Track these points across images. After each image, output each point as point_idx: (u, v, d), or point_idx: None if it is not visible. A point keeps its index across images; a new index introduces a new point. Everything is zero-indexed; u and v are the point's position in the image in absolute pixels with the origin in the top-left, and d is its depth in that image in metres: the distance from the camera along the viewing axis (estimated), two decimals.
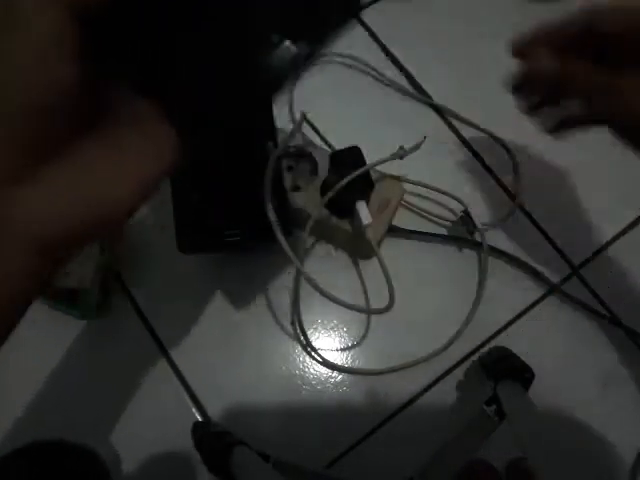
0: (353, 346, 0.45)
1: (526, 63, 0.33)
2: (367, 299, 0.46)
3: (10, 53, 0.16)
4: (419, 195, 0.48)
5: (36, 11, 0.16)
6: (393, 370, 0.44)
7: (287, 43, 0.19)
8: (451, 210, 0.49)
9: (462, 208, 0.46)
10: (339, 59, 0.53)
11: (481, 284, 0.47)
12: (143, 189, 0.19)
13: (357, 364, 0.45)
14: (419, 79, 0.53)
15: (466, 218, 0.46)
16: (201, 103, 0.20)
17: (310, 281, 0.36)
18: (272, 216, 0.34)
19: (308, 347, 0.45)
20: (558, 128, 0.35)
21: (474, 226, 0.46)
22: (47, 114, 0.16)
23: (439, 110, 0.52)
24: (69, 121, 0.17)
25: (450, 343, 0.45)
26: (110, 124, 0.19)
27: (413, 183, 0.47)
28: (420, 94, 0.52)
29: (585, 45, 0.30)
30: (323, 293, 0.36)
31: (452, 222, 0.48)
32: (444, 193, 0.46)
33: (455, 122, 0.52)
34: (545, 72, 0.31)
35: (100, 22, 0.17)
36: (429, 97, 0.52)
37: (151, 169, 0.19)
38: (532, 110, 0.36)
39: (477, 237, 0.47)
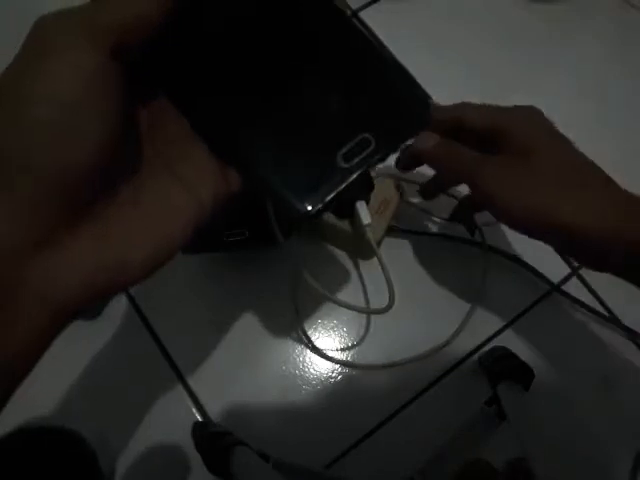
0: (353, 346, 0.45)
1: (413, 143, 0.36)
2: (367, 299, 0.46)
3: (49, 87, 0.15)
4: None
5: (67, 43, 0.16)
6: (393, 369, 0.44)
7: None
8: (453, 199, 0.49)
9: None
10: None
11: (481, 284, 0.47)
12: (168, 250, 0.18)
13: (357, 364, 0.45)
14: (419, 79, 0.53)
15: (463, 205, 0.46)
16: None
17: (310, 282, 0.36)
18: (274, 216, 0.34)
19: (308, 347, 0.45)
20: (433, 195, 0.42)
21: (473, 214, 0.45)
22: (80, 171, 0.16)
23: None
24: (102, 175, 0.17)
25: (450, 343, 0.45)
26: (135, 176, 0.18)
27: (412, 182, 0.47)
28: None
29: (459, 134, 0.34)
30: (324, 295, 0.36)
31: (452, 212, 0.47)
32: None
33: None
34: (427, 150, 0.35)
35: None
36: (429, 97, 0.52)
37: (183, 229, 0.19)
38: (428, 195, 0.42)
39: (477, 237, 0.47)
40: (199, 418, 0.43)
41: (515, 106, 0.34)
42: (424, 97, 0.20)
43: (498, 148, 0.32)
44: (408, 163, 0.38)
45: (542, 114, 0.34)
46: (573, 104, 0.51)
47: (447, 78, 0.53)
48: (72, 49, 0.16)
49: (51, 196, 0.16)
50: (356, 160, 0.19)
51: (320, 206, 0.18)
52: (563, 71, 0.54)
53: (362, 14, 0.55)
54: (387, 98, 0.19)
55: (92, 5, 0.16)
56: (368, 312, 0.46)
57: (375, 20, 0.55)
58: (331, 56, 0.19)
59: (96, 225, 0.17)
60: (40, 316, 0.16)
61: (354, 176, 0.19)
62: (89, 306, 0.17)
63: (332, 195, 0.18)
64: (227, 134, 0.19)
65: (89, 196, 0.17)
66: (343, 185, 0.18)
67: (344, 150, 0.19)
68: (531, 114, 0.33)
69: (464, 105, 0.35)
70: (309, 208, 0.18)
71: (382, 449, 0.43)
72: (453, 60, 0.54)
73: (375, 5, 0.56)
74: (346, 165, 0.19)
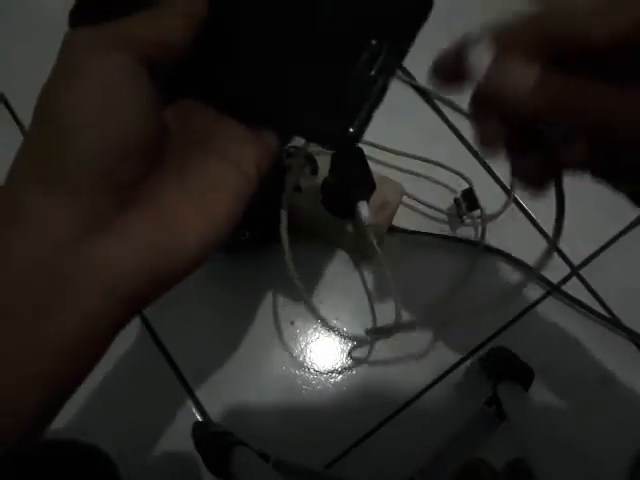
0: (353, 346, 0.45)
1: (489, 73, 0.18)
2: (371, 302, 0.46)
3: (77, 100, 0.17)
4: (417, 182, 0.48)
5: (94, 57, 0.17)
6: (393, 369, 0.44)
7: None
8: (453, 190, 0.49)
9: (459, 195, 0.46)
10: None
11: (481, 284, 0.47)
12: (221, 227, 0.19)
13: (357, 364, 0.45)
14: (419, 79, 0.53)
15: (464, 197, 0.46)
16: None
17: (302, 292, 0.36)
18: (283, 217, 0.34)
19: (308, 347, 0.45)
20: (542, 179, 0.22)
21: (475, 205, 0.45)
22: (120, 158, 0.17)
23: (438, 108, 0.52)
24: (142, 161, 0.18)
25: (450, 342, 0.45)
26: (182, 154, 0.19)
27: (413, 174, 0.47)
28: (420, 94, 0.52)
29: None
30: (321, 319, 0.36)
31: (452, 205, 0.47)
32: (443, 167, 0.46)
33: (454, 119, 0.52)
34: (525, 92, 0.17)
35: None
36: (429, 97, 0.52)
37: (232, 204, 0.19)
38: (495, 148, 0.20)
39: (477, 237, 0.47)
40: (199, 418, 0.43)
41: None
42: None
43: None
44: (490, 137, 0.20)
45: None
46: None
47: None
48: (100, 68, 0.17)
49: (95, 182, 0.16)
50: (375, 68, 0.18)
51: (359, 124, 0.18)
52: None
53: None
54: None
55: (119, 25, 0.17)
56: (371, 334, 0.46)
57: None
58: None
59: (146, 208, 0.17)
60: (98, 302, 0.16)
61: (380, 84, 0.18)
62: (153, 296, 0.18)
63: (366, 110, 0.18)
64: (251, 95, 0.19)
65: (132, 179, 0.17)
66: (373, 97, 0.18)
67: (360, 64, 0.18)
68: None
69: (553, 14, 0.18)
70: (351, 130, 0.18)
71: (382, 449, 0.43)
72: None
73: None
74: (368, 76, 0.18)
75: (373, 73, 0.18)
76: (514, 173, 0.21)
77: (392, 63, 0.19)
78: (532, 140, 0.19)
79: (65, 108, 0.17)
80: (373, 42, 0.18)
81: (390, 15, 0.19)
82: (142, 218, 0.17)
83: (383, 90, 0.19)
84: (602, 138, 0.17)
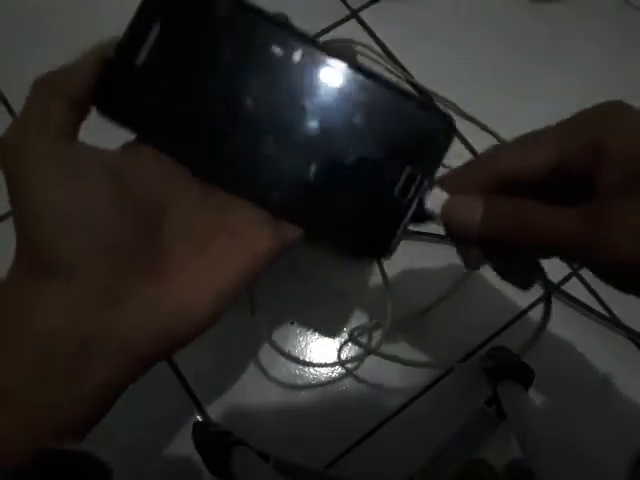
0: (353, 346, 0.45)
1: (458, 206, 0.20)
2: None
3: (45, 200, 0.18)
4: None
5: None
6: (393, 368, 0.44)
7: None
8: None
9: None
10: None
11: (480, 284, 0.47)
12: (228, 297, 0.20)
13: (357, 364, 0.45)
14: (419, 79, 0.53)
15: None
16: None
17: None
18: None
19: (308, 347, 0.45)
20: (527, 280, 0.26)
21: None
22: (108, 246, 0.18)
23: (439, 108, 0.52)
24: (137, 240, 0.19)
25: (450, 342, 0.45)
26: (190, 227, 0.20)
27: None
28: (421, 94, 0.52)
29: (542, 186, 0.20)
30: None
31: None
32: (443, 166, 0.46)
33: (456, 120, 0.52)
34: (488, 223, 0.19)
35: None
36: (430, 97, 0.52)
37: (242, 279, 0.20)
38: (477, 264, 0.23)
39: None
40: (199, 418, 0.43)
41: (582, 113, 0.21)
42: (439, 113, 0.21)
43: (599, 184, 0.18)
44: (471, 258, 0.23)
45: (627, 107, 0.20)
46: (572, 104, 0.51)
47: (447, 78, 0.53)
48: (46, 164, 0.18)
49: (93, 266, 0.18)
50: (410, 193, 0.21)
51: (396, 242, 0.21)
52: (563, 71, 0.54)
53: (362, 14, 0.55)
54: (410, 127, 0.21)
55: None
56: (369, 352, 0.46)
57: (375, 20, 0.55)
58: (349, 109, 0.21)
59: (155, 280, 0.19)
60: (113, 366, 0.18)
61: (414, 206, 0.21)
62: (167, 354, 0.19)
63: (402, 228, 0.21)
64: (295, 204, 0.21)
65: (132, 257, 0.19)
66: (408, 217, 0.21)
67: (397, 190, 0.21)
68: (620, 112, 0.20)
69: (501, 149, 0.21)
70: (389, 247, 0.21)
71: (382, 449, 0.43)
72: (453, 60, 0.54)
73: (375, 5, 0.56)
74: (405, 201, 0.21)
75: (409, 198, 0.21)
76: (502, 278, 0.25)
77: (424, 188, 0.21)
78: (507, 252, 0.21)
79: (39, 209, 0.18)
80: (408, 168, 0.21)
81: (421, 143, 0.21)
82: (153, 289, 0.18)
83: (415, 211, 0.21)
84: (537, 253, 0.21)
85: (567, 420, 0.44)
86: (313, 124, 0.20)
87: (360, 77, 0.20)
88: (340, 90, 0.20)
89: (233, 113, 0.20)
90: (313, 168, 0.20)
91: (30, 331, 0.17)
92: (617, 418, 0.44)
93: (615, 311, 0.47)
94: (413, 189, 0.21)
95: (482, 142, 0.51)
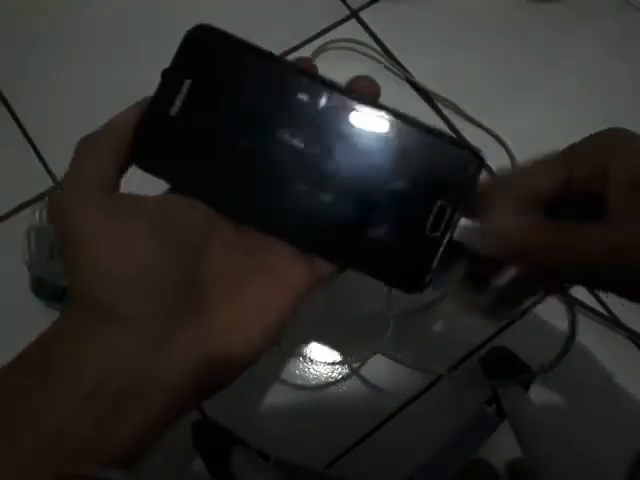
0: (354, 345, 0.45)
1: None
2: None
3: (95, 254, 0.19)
4: None
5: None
6: (393, 368, 0.44)
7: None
8: None
9: None
10: None
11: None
12: (269, 337, 0.21)
13: (357, 364, 0.45)
14: (419, 79, 0.53)
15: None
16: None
17: None
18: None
19: (308, 346, 0.45)
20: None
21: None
22: (153, 291, 0.19)
23: (440, 110, 0.52)
24: (181, 285, 0.19)
25: (450, 342, 0.45)
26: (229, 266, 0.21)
27: None
28: (421, 95, 0.52)
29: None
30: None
31: None
32: None
33: (456, 121, 0.52)
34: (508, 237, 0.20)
35: None
36: (430, 98, 0.52)
37: (280, 317, 0.21)
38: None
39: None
40: (199, 418, 0.43)
41: (589, 138, 0.21)
42: (469, 148, 0.21)
43: (607, 204, 0.19)
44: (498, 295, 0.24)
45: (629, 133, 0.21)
46: (573, 104, 0.52)
47: (447, 78, 0.53)
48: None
49: (149, 308, 0.19)
50: (442, 226, 0.21)
51: (429, 277, 0.21)
52: (562, 71, 0.54)
53: (362, 14, 0.55)
54: (440, 163, 0.21)
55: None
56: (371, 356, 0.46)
57: (375, 20, 0.55)
58: (379, 145, 0.21)
59: (200, 322, 0.19)
60: (157, 405, 0.18)
61: (446, 240, 0.21)
62: (208, 395, 0.20)
63: (436, 263, 0.21)
64: (328, 241, 0.21)
65: (182, 297, 0.19)
66: (440, 251, 0.21)
67: (429, 224, 0.21)
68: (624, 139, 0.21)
69: (513, 172, 0.22)
70: (422, 283, 0.21)
71: (382, 449, 0.43)
72: (453, 60, 0.54)
73: (375, 5, 0.56)
74: (435, 234, 0.21)
75: (440, 232, 0.21)
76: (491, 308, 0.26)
77: (454, 221, 0.21)
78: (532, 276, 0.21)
79: (90, 261, 0.19)
80: (439, 203, 0.21)
81: (451, 177, 0.21)
82: (197, 331, 0.19)
83: (447, 246, 0.21)
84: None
85: (567, 420, 0.44)
86: (344, 164, 0.21)
87: (389, 117, 0.21)
88: (369, 132, 0.21)
89: (266, 159, 0.21)
90: (345, 206, 0.21)
91: (78, 370, 0.18)
92: (617, 418, 0.44)
93: (615, 311, 0.47)
94: (444, 223, 0.21)
95: (482, 142, 0.51)
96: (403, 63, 0.54)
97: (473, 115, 0.51)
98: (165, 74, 0.21)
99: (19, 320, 0.44)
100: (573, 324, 0.36)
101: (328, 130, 0.21)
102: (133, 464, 0.19)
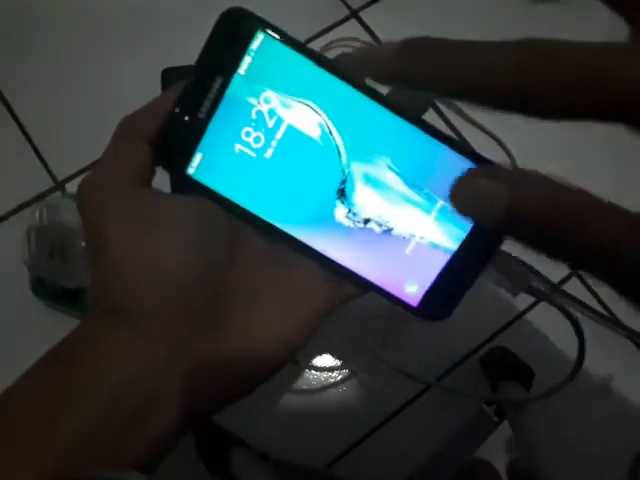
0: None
1: None
2: None
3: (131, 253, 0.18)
4: None
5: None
6: (393, 368, 0.44)
7: None
8: None
9: None
10: None
11: (481, 284, 0.46)
12: (293, 345, 0.20)
13: (357, 364, 0.45)
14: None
15: None
16: None
17: None
18: None
19: (309, 346, 0.45)
20: None
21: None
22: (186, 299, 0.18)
23: (440, 110, 0.52)
24: (209, 292, 0.19)
25: (450, 342, 0.45)
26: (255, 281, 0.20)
27: None
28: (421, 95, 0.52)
29: None
30: None
31: None
32: None
33: (456, 121, 0.52)
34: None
35: None
36: (430, 98, 0.52)
37: (303, 332, 0.20)
38: None
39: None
40: None
41: None
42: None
43: None
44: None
45: None
46: None
47: None
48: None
49: (175, 318, 0.18)
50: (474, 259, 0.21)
51: (455, 307, 0.22)
52: None
53: (362, 14, 0.55)
54: None
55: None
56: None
57: (375, 20, 0.55)
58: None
59: (223, 332, 0.19)
60: (175, 415, 0.18)
61: (479, 274, 0.22)
62: (224, 406, 0.20)
63: (461, 298, 0.22)
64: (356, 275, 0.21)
65: (207, 307, 0.19)
66: (471, 285, 0.22)
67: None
68: None
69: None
70: (450, 313, 0.22)
71: (382, 449, 0.43)
72: None
73: (375, 5, 0.56)
74: (468, 266, 0.21)
75: (472, 265, 0.21)
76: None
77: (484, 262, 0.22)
78: None
79: (117, 262, 0.18)
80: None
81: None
82: (219, 342, 0.19)
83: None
84: None
85: (567, 420, 0.44)
86: (384, 192, 0.20)
87: (437, 143, 0.20)
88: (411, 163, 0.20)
89: (299, 173, 0.20)
90: (375, 234, 0.20)
91: (100, 377, 0.18)
92: (617, 418, 0.44)
93: (615, 311, 0.47)
94: (476, 255, 0.21)
95: (482, 144, 0.51)
96: None
97: (473, 115, 0.51)
98: (198, 64, 0.19)
99: (19, 320, 0.44)
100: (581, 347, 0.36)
101: (372, 142, 0.19)
102: (147, 472, 0.18)
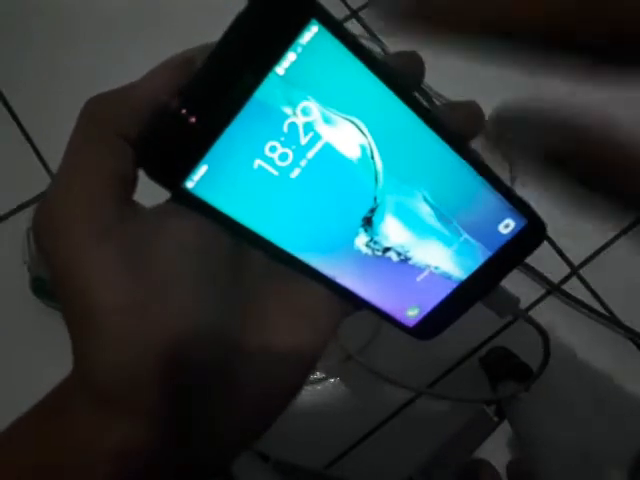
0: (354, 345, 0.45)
1: None
2: None
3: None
4: None
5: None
6: (392, 369, 0.44)
7: None
8: None
9: None
10: None
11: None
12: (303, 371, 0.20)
13: (357, 364, 0.45)
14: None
15: None
16: None
17: None
18: None
19: None
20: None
21: None
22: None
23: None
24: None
25: (450, 342, 0.45)
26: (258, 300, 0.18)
27: None
28: (421, 93, 0.52)
29: None
30: None
31: None
32: None
33: None
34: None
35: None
36: (429, 97, 0.52)
37: (307, 364, 0.20)
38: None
39: None
40: None
41: None
42: (536, 220, 0.21)
43: None
44: None
45: None
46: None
47: (446, 77, 0.53)
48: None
49: (173, 402, 0.16)
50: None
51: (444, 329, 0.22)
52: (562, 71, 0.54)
53: (362, 14, 0.55)
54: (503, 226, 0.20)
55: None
56: None
57: (375, 20, 0.55)
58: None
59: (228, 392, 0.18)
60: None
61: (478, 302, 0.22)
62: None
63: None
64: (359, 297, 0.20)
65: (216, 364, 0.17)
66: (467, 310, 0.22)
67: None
68: None
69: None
70: (439, 333, 0.22)
71: (382, 449, 0.43)
72: (452, 59, 0.54)
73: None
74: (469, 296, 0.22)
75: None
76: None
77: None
78: None
79: (100, 322, 0.14)
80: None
81: (510, 245, 0.21)
82: (223, 410, 0.17)
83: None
84: None
85: (567, 420, 0.44)
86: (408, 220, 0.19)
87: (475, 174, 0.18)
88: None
89: (326, 198, 0.17)
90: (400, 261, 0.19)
91: (87, 468, 0.15)
92: (617, 418, 0.44)
93: (615, 311, 0.47)
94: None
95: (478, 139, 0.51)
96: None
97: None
98: (218, 50, 0.14)
99: (19, 320, 0.44)
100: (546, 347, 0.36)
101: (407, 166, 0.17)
102: None
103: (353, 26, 0.55)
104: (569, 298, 0.46)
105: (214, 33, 0.14)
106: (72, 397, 0.15)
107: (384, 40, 0.54)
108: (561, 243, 0.48)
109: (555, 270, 0.47)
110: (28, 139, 0.49)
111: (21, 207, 0.47)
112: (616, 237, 0.49)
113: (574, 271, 0.48)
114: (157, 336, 0.14)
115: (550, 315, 0.47)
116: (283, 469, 0.39)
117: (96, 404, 0.15)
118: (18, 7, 0.53)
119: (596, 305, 0.47)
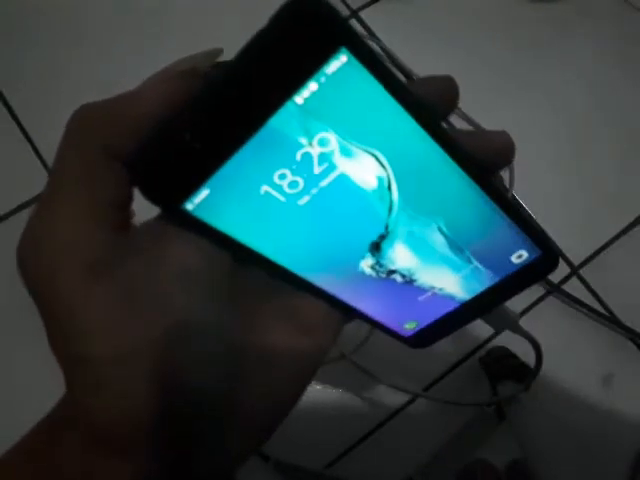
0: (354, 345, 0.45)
1: None
2: None
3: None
4: None
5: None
6: (392, 369, 0.44)
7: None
8: None
9: None
10: None
11: None
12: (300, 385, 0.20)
13: (356, 364, 0.45)
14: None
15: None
16: None
17: None
18: None
19: None
20: None
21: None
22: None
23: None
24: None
25: (450, 342, 0.45)
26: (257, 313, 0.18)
27: None
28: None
29: None
30: None
31: None
32: None
33: (455, 121, 0.52)
34: None
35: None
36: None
37: (304, 375, 0.19)
38: None
39: None
40: None
41: None
42: (549, 250, 0.21)
43: None
44: None
45: None
46: (572, 103, 0.51)
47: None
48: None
49: (170, 443, 0.15)
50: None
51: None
52: (563, 71, 0.54)
53: (362, 14, 0.55)
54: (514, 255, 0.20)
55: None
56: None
57: (375, 20, 0.55)
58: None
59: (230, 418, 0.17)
60: None
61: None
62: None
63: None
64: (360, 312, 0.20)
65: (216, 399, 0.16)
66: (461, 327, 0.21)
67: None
68: None
69: None
70: (432, 344, 0.22)
71: (382, 449, 0.43)
72: (452, 59, 0.54)
73: (375, 5, 0.56)
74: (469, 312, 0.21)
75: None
76: None
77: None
78: None
79: (94, 366, 0.13)
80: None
81: (519, 271, 0.20)
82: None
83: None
84: None
85: (567, 420, 0.44)
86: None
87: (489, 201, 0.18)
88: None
89: (335, 224, 0.16)
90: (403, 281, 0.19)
91: None
92: (617, 418, 0.44)
93: (615, 311, 0.47)
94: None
95: None
96: (403, 62, 0.53)
97: (472, 115, 0.51)
98: (231, 70, 0.13)
99: (19, 320, 0.44)
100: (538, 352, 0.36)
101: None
102: None
103: (353, 26, 0.55)
104: (569, 298, 0.46)
105: (215, 34, 0.14)
106: (67, 430, 0.15)
107: (384, 40, 0.54)
108: (561, 243, 0.48)
109: (555, 270, 0.47)
110: (28, 139, 0.49)
111: (21, 207, 0.47)
112: (616, 237, 0.49)
113: (574, 271, 0.48)
114: (156, 385, 0.13)
115: (550, 315, 0.47)
116: (283, 469, 0.39)
117: (94, 444, 0.14)
118: (18, 7, 0.53)
119: (596, 305, 0.47)
